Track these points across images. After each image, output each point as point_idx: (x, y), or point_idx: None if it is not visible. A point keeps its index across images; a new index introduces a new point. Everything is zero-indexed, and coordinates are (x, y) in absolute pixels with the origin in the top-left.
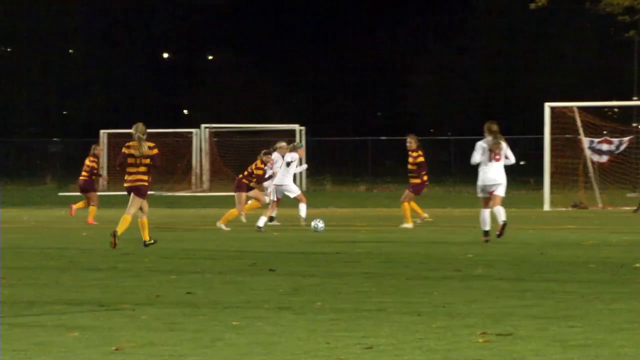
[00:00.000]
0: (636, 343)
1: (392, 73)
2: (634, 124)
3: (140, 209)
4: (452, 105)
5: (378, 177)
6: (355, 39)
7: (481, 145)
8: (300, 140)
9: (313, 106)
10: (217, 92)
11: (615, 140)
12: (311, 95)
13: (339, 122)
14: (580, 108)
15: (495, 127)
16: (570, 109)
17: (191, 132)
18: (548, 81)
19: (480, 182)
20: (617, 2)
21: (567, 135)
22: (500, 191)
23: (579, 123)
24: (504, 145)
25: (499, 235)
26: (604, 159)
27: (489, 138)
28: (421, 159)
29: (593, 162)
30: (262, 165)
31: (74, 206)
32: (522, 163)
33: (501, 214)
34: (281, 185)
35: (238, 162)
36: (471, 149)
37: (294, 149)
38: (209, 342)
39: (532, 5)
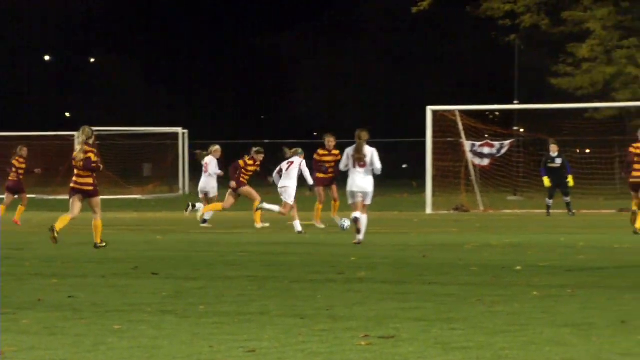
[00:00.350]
0: (517, 345)
1: (276, 76)
2: (515, 128)
3: (94, 211)
4: (336, 109)
5: (262, 180)
6: (239, 42)
7: (347, 152)
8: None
9: (196, 109)
10: (100, 95)
11: (497, 144)
12: (194, 99)
13: (222, 125)
14: (462, 111)
15: (364, 135)
16: (452, 112)
17: (73, 135)
18: (431, 85)
19: (348, 188)
20: (498, 6)
21: (449, 139)
22: (367, 199)
23: (460, 126)
24: (368, 152)
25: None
26: (486, 162)
27: (355, 145)
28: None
29: (475, 166)
30: (251, 162)
31: (15, 218)
32: (404, 166)
33: (363, 224)
34: (282, 187)
35: (120, 166)
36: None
37: (295, 154)
38: (90, 347)
39: (415, 9)
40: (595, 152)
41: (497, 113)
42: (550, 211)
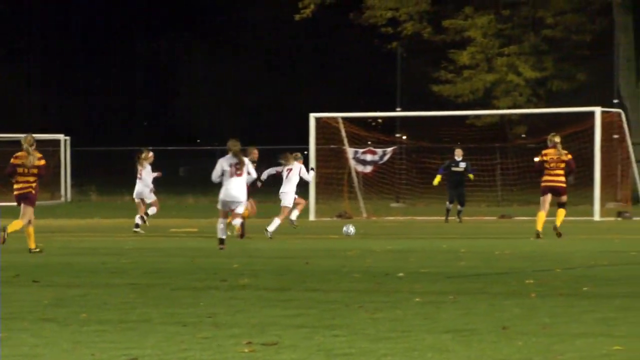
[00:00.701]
0: (399, 352)
1: (158, 82)
2: (398, 135)
3: (29, 216)
4: (219, 116)
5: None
6: (121, 46)
7: (221, 162)
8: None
9: (78, 115)
10: None
11: (379, 151)
12: (76, 105)
13: (104, 131)
14: (344, 119)
15: (237, 147)
16: (334, 119)
17: None
18: (314, 92)
19: (221, 196)
20: (380, 13)
21: (332, 146)
22: (240, 209)
23: (343, 133)
24: (246, 161)
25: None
26: (368, 169)
27: (229, 155)
28: None
29: (357, 172)
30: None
31: None
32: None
33: (237, 226)
34: (282, 192)
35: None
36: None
37: (295, 159)
38: None
39: (298, 17)
40: (477, 159)
41: (379, 120)
42: (449, 217)
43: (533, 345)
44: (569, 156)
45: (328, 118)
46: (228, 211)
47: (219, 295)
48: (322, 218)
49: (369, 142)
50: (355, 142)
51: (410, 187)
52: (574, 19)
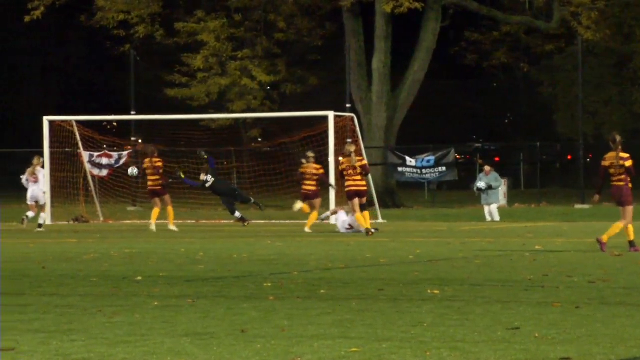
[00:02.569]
0: (138, 356)
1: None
2: (133, 138)
3: None
4: None
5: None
6: None
7: None
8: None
9: None
10: None
11: (115, 154)
12: None
13: None
14: (78, 122)
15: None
16: (69, 122)
17: None
18: (48, 94)
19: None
20: (112, 16)
21: (67, 149)
22: None
23: (78, 137)
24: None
25: None
26: (104, 172)
27: None
28: None
29: (93, 176)
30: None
31: None
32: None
33: None
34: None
35: None
36: None
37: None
38: None
39: (27, 18)
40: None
41: (114, 123)
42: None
43: (272, 347)
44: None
45: (62, 121)
46: None
47: None
48: (57, 222)
49: (105, 146)
50: (91, 145)
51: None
52: (305, 24)
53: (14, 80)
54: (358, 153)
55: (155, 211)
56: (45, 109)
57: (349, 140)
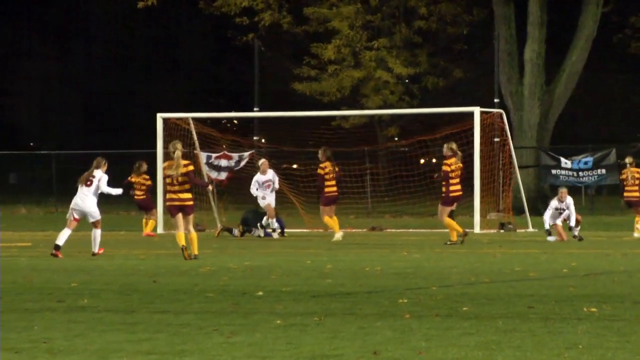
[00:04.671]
0: None
1: None
2: (256, 138)
3: None
4: (54, 117)
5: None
6: None
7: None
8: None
9: None
10: None
11: (236, 156)
12: None
13: None
14: (196, 119)
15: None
16: (185, 120)
17: None
18: (162, 90)
19: (72, 205)
20: (235, 1)
21: (183, 150)
22: (89, 218)
23: (195, 136)
24: (95, 172)
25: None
26: (223, 175)
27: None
28: None
29: (211, 180)
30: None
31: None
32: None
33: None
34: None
35: None
36: (75, 164)
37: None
38: None
39: (141, 4)
40: (345, 165)
41: (235, 121)
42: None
43: None
44: None
45: (177, 119)
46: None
47: (55, 317)
48: (171, 231)
49: (224, 146)
50: (209, 145)
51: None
52: (449, 9)
53: (129, 75)
54: None
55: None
56: (161, 104)
57: (496, 140)
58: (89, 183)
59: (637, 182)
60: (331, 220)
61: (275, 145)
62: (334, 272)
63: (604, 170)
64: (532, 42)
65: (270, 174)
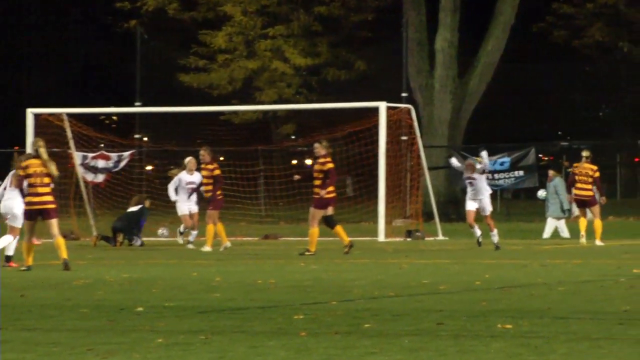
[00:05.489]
0: None
1: None
2: (137, 136)
3: None
4: None
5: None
6: None
7: None
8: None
9: None
10: None
11: (114, 156)
12: None
13: None
14: (70, 115)
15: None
16: (58, 116)
17: None
18: (32, 82)
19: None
20: None
21: (55, 149)
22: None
23: (69, 134)
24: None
25: None
26: (100, 178)
27: None
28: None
29: (87, 182)
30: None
31: None
32: None
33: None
34: None
35: None
36: None
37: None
38: None
39: None
40: (236, 166)
41: (114, 117)
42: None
43: None
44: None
45: (49, 114)
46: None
47: None
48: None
49: (102, 145)
50: (84, 144)
51: (154, 200)
52: None
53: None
54: None
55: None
56: (30, 98)
57: (404, 138)
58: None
59: (591, 179)
60: (214, 229)
61: (159, 144)
62: (223, 285)
63: (522, 172)
64: (443, 29)
65: (197, 176)
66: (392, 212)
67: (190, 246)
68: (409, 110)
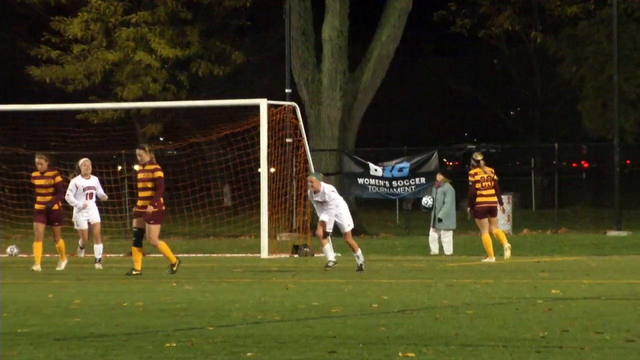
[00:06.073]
0: None
1: None
2: None
3: None
4: None
5: None
6: None
7: None
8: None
9: None
10: None
11: None
12: None
13: None
14: None
15: None
16: None
17: None
18: None
19: None
20: None
21: None
22: None
23: None
24: None
25: None
26: None
27: None
28: None
29: None
30: None
31: None
32: None
33: None
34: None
35: None
36: None
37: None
38: None
39: None
40: (95, 171)
41: None
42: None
43: None
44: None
45: None
46: None
47: None
48: None
49: None
50: None
51: (14, 214)
52: None
53: None
54: None
55: None
56: None
57: (288, 140)
58: None
59: (493, 183)
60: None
61: (8, 147)
62: (84, 308)
63: (423, 179)
64: (332, 17)
65: (95, 179)
66: (277, 224)
67: (98, 265)
68: (293, 109)
